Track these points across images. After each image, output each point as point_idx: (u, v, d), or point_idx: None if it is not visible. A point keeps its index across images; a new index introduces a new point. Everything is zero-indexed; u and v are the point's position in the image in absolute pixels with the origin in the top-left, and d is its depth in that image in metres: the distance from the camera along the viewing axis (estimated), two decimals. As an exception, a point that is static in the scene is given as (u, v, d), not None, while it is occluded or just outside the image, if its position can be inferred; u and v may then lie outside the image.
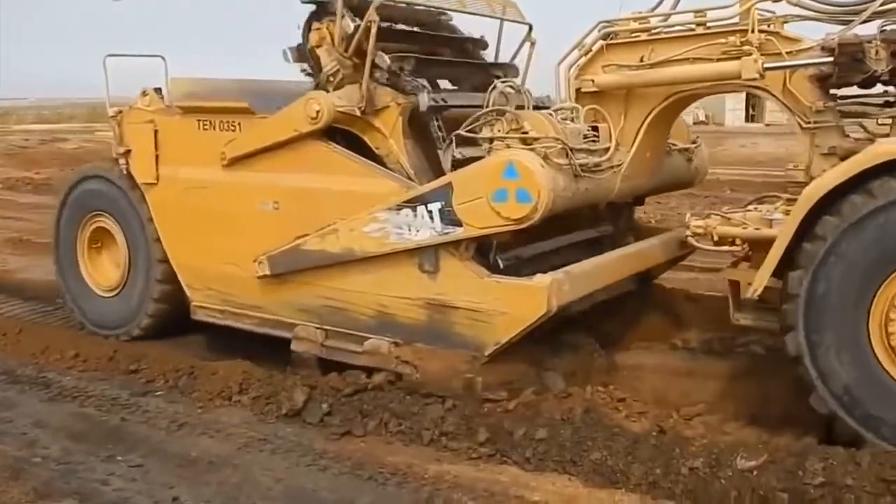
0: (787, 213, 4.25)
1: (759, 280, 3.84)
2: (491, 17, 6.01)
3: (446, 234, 4.39)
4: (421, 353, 4.67)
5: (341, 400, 4.60)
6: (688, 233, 4.56)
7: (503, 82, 4.69)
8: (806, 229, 3.81)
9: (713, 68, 4.37)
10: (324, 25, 5.20)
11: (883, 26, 4.14)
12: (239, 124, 5.28)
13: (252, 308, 5.46)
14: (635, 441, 3.85)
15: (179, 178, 5.66)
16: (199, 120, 5.48)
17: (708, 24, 4.52)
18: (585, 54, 4.88)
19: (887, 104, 4.33)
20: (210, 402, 4.90)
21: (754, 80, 4.23)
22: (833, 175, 3.72)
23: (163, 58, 6.35)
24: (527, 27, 6.08)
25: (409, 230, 4.51)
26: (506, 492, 3.72)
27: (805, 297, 3.77)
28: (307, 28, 5.30)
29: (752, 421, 4.34)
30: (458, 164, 4.60)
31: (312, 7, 5.27)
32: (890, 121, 4.27)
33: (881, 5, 4.07)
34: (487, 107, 4.54)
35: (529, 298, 4.25)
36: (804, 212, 3.70)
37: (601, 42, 4.77)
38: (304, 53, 5.35)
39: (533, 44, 6.07)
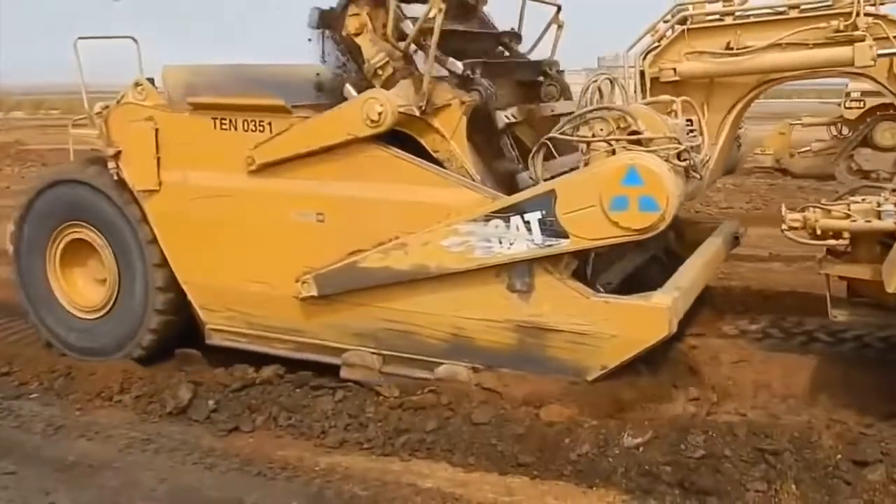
0: None
1: None
2: None
3: (549, 246, 3.95)
4: (506, 379, 4.24)
5: (228, 396, 4.48)
6: (784, 226, 4.30)
7: (600, 75, 4.24)
8: None
9: (822, 55, 4.11)
10: (363, 11, 4.62)
11: None
12: (270, 124, 4.61)
13: (288, 331, 4.85)
14: (528, 428, 3.81)
15: (189, 185, 4.93)
16: (214, 118, 4.76)
17: (802, 7, 4.22)
18: (659, 40, 4.51)
19: None
20: (89, 404, 4.69)
21: (868, 66, 3.97)
22: None
23: (134, 39, 5.58)
24: (555, 8, 5.65)
25: (501, 243, 4.04)
26: (398, 480, 3.72)
27: None
28: (342, 12, 4.69)
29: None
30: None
31: None
32: None
33: None
34: (585, 104, 4.10)
35: (648, 320, 3.91)
36: None
37: (681, 27, 4.39)
38: (328, 22, 4.74)
39: (560, 26, 5.65)
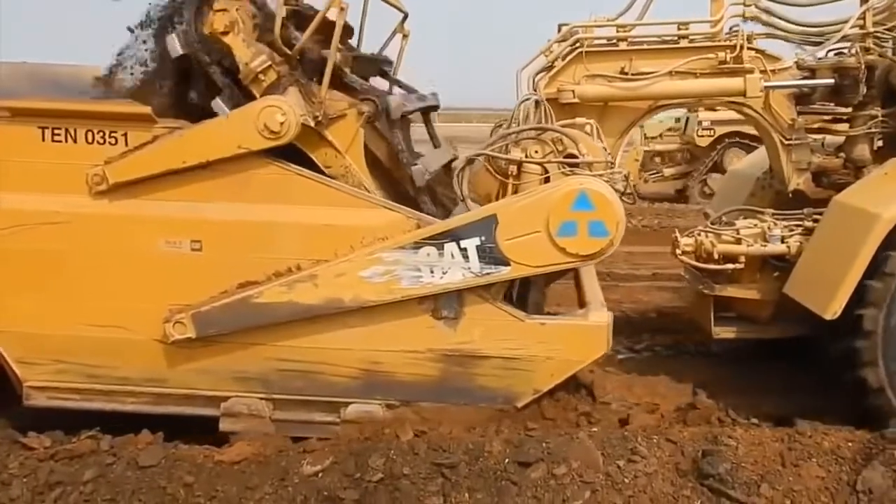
0: (788, 228, 4.34)
1: (838, 302, 3.82)
2: None
3: (487, 274, 3.66)
4: (426, 413, 3.90)
5: None
6: (678, 251, 4.44)
7: (530, 95, 4.03)
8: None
9: (716, 84, 4.31)
10: (233, 8, 3.98)
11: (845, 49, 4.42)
12: (125, 135, 3.81)
13: (147, 382, 4.04)
14: (200, 467, 3.63)
15: (2, 211, 3.90)
16: (43, 127, 3.83)
17: (691, 38, 4.40)
18: (553, 61, 4.45)
19: (837, 120, 4.63)
20: None
21: (757, 97, 4.23)
22: None
23: None
24: (402, 15, 5.35)
25: (432, 273, 3.68)
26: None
27: (882, 332, 3.84)
28: (202, 4, 4.01)
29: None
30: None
31: None
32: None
33: (851, 27, 4.32)
34: (517, 122, 3.87)
35: (586, 340, 3.80)
36: (883, 234, 3.74)
37: (580, 50, 4.36)
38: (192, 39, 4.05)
39: (406, 35, 5.38)
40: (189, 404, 4.05)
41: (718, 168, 13.97)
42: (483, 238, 3.64)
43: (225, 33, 3.96)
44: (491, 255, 3.65)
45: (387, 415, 3.90)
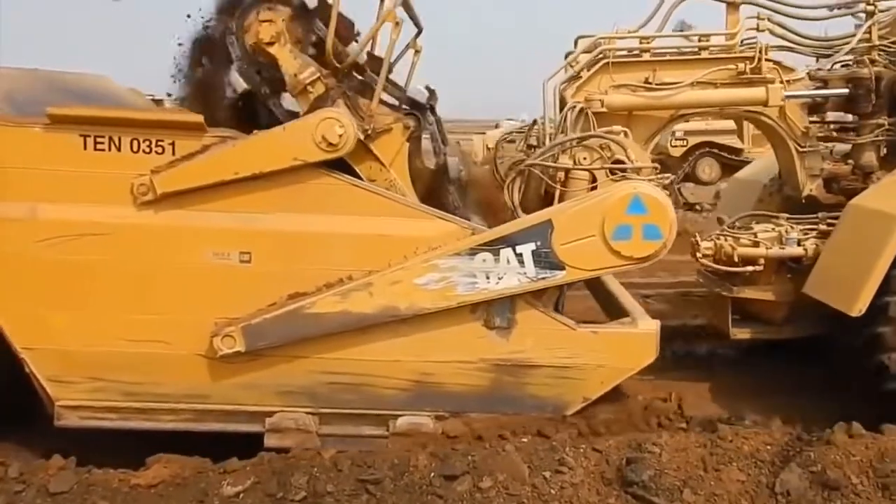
0: (803, 231, 4.54)
1: (863, 300, 4.01)
2: None
3: (542, 279, 3.73)
4: (475, 424, 3.93)
5: None
6: (698, 254, 4.59)
7: (576, 104, 4.13)
8: None
9: (739, 94, 4.48)
10: (279, 17, 3.98)
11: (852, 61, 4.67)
12: (173, 144, 3.75)
13: (188, 399, 3.96)
14: (115, 492, 3.56)
15: (39, 221, 3.79)
16: (85, 135, 3.74)
17: (711, 49, 4.58)
18: (579, 71, 4.57)
19: (844, 129, 4.87)
20: None
21: (778, 106, 4.42)
22: None
23: None
24: (416, 31, 5.40)
25: (488, 279, 3.72)
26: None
27: None
28: (246, 14, 4.00)
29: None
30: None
31: None
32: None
33: (859, 42, 4.56)
34: (565, 130, 3.96)
35: (636, 347, 3.90)
36: None
37: (606, 60, 4.49)
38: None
39: (418, 51, 5.44)
40: (232, 421, 3.98)
41: (691, 178, 14.25)
42: (539, 243, 3.70)
43: (270, 44, 3.97)
44: (546, 260, 3.71)
45: (436, 426, 3.90)
